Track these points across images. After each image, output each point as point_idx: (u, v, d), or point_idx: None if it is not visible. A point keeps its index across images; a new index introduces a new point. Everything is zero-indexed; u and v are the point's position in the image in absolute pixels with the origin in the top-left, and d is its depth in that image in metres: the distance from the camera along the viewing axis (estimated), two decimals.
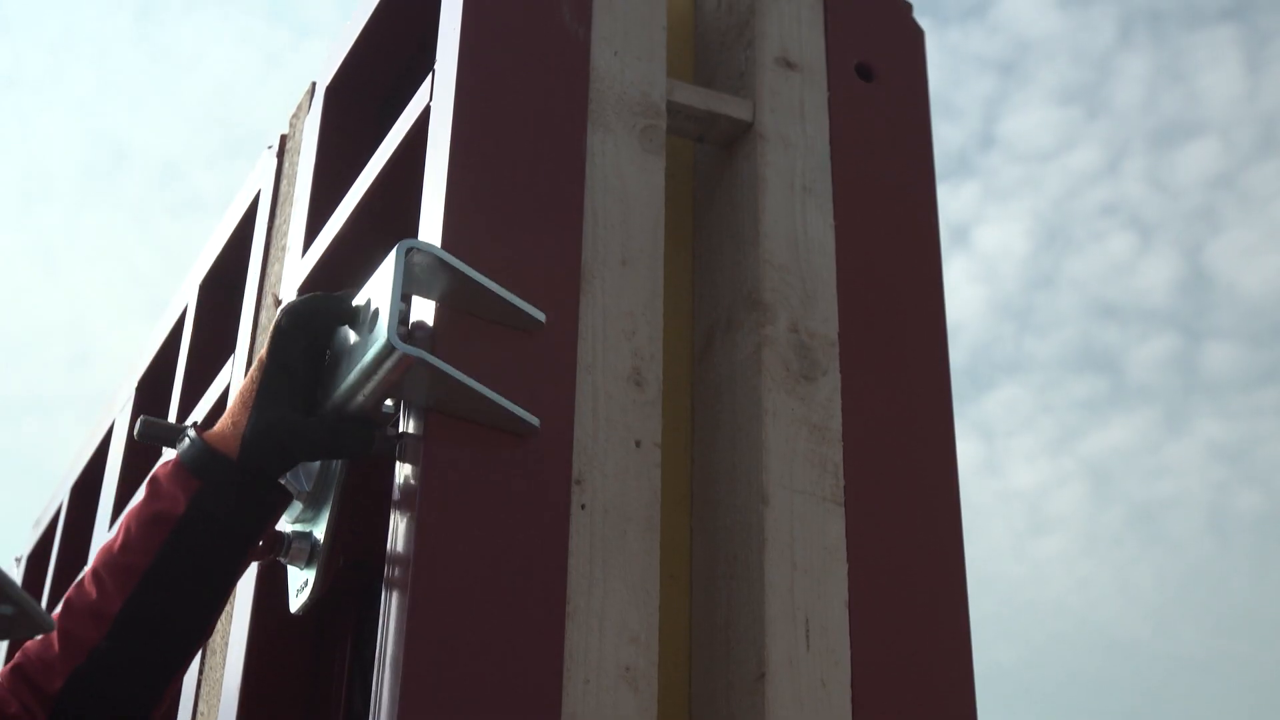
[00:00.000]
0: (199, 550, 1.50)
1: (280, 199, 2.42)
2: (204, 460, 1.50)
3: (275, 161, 2.49)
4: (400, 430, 1.55)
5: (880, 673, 1.64)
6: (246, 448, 1.50)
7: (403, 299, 1.50)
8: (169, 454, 2.50)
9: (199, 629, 1.52)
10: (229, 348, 2.45)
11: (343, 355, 1.54)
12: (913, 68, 2.05)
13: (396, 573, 1.49)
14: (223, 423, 1.54)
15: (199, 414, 2.51)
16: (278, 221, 2.39)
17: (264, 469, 1.51)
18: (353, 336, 1.53)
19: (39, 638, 1.49)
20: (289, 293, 2.13)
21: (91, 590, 1.49)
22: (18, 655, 1.51)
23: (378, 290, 1.52)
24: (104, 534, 2.87)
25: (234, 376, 2.35)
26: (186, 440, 1.53)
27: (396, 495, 1.54)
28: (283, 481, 1.56)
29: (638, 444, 1.63)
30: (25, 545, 3.81)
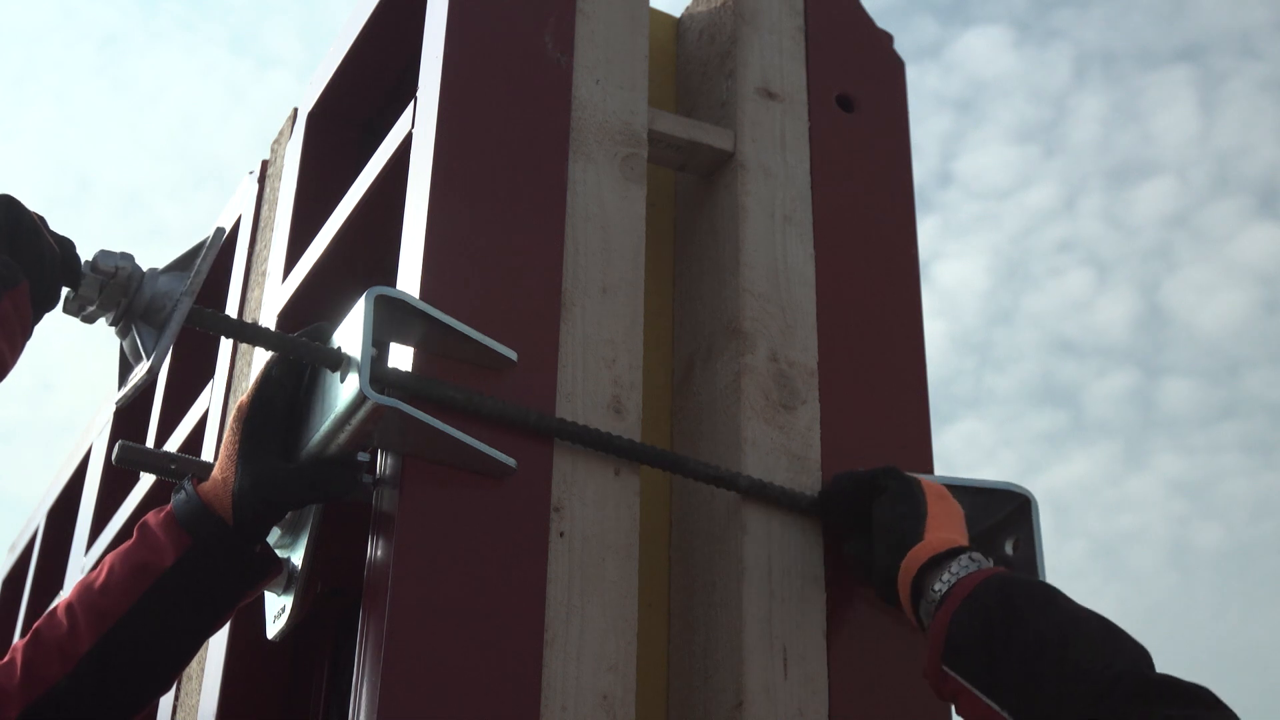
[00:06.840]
0: (179, 605, 1.49)
1: (261, 224, 2.42)
2: (197, 516, 1.50)
3: (256, 187, 2.49)
4: (376, 474, 1.55)
5: (858, 702, 1.64)
6: (238, 505, 1.49)
7: (375, 345, 1.50)
8: (147, 479, 2.50)
9: (162, 680, 1.52)
10: (208, 372, 2.44)
11: (317, 399, 1.54)
12: (893, 99, 2.06)
13: (373, 600, 1.49)
14: (214, 475, 1.53)
15: (178, 437, 2.51)
16: (258, 247, 2.39)
17: (254, 527, 1.51)
18: (328, 380, 1.53)
19: (5, 660, 1.49)
20: (269, 319, 2.13)
21: (63, 623, 1.48)
22: None
23: (349, 338, 1.52)
24: (80, 557, 2.86)
25: (212, 401, 2.34)
26: (182, 492, 1.53)
27: (374, 522, 1.54)
28: (273, 543, 1.56)
29: (617, 472, 1.63)
30: (0, 569, 3.80)
